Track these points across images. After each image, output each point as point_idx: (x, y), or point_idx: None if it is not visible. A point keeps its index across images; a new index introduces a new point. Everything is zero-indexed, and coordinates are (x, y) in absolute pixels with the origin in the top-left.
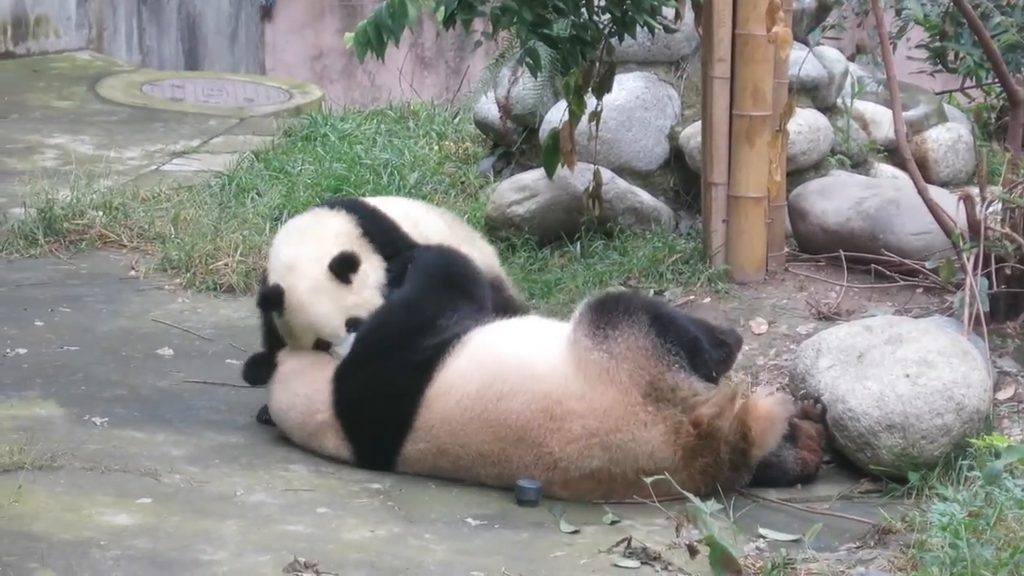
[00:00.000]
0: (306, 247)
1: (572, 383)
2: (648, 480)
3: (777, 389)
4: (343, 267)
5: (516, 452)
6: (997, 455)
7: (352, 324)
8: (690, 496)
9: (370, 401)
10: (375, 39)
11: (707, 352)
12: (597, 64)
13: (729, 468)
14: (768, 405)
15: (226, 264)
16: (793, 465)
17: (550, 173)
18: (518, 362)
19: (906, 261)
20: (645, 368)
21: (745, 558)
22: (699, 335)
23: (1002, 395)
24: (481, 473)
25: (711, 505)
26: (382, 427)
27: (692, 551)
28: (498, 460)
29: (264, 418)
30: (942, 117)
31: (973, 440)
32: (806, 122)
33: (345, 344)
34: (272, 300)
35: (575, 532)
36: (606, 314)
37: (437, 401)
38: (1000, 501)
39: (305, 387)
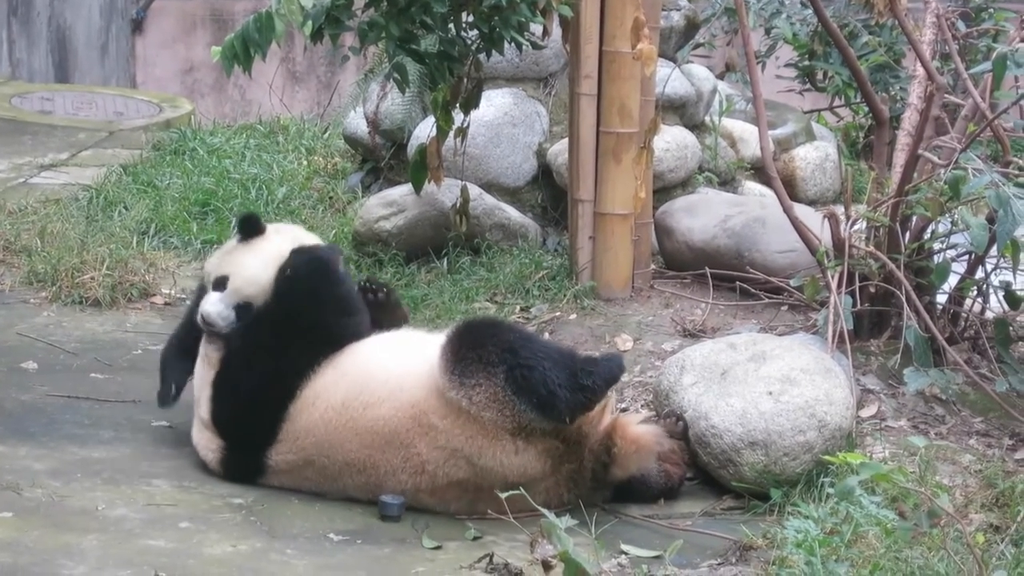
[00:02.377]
0: None
1: (437, 404)
2: (503, 495)
3: (642, 406)
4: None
5: (384, 457)
6: (855, 472)
7: (219, 283)
8: (545, 512)
9: (238, 412)
10: (242, 53)
11: (563, 404)
12: (465, 80)
13: (591, 479)
14: (639, 432)
15: (92, 278)
16: (657, 478)
17: (417, 189)
18: (386, 375)
19: (771, 279)
20: (507, 417)
21: (600, 574)
22: (556, 388)
23: (865, 413)
24: (348, 483)
25: (566, 520)
26: (249, 437)
27: (546, 566)
28: (365, 467)
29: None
30: (810, 136)
31: (829, 457)
32: (674, 139)
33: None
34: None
35: (437, 548)
36: (463, 361)
37: (302, 413)
38: (856, 518)
39: (199, 386)
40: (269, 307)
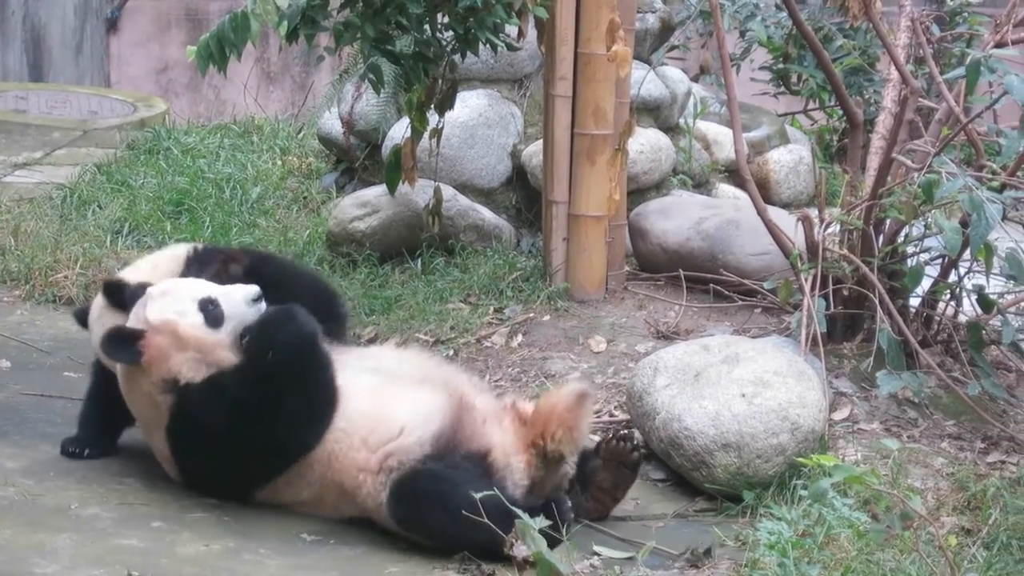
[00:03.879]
0: None
1: None
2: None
3: (615, 407)
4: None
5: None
6: (828, 474)
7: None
8: (520, 513)
9: (216, 474)
10: (217, 53)
11: None
12: (440, 81)
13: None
14: (549, 407)
15: (66, 276)
16: (571, 512)
17: (392, 189)
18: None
19: (745, 281)
20: None
21: (573, 574)
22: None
23: (838, 415)
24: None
25: (539, 521)
26: (227, 490)
27: (520, 567)
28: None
29: None
30: (784, 138)
31: (802, 459)
32: (648, 142)
33: None
34: None
35: (411, 548)
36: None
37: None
38: (829, 520)
39: (148, 427)
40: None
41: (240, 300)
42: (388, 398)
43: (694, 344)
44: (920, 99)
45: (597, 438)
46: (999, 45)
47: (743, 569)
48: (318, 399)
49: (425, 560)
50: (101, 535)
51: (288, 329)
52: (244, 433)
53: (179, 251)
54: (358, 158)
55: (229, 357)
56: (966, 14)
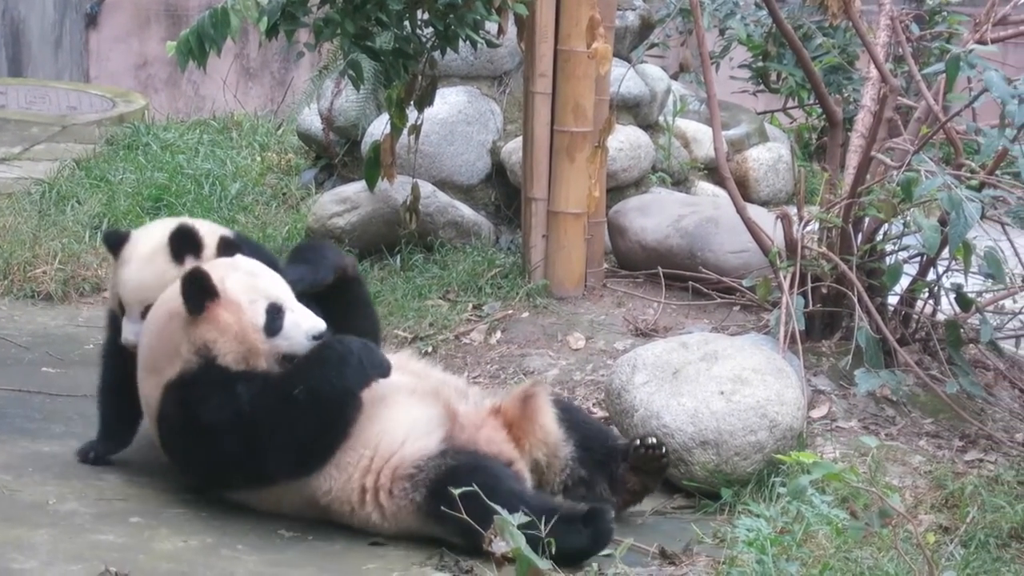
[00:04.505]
0: None
1: None
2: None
3: (593, 404)
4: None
5: None
6: (807, 472)
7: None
8: (499, 509)
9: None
10: (197, 48)
11: None
12: (419, 77)
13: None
14: (516, 406)
15: (44, 272)
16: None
17: (371, 186)
18: None
19: (723, 279)
20: None
21: (552, 571)
22: None
23: (816, 413)
24: None
25: (519, 517)
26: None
27: (499, 563)
28: None
29: None
30: (763, 137)
31: (781, 456)
32: (627, 139)
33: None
34: None
35: (390, 544)
36: None
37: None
38: (807, 518)
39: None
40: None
41: (303, 331)
42: (389, 413)
43: (673, 341)
44: (899, 97)
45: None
46: (978, 43)
47: (721, 566)
48: (324, 443)
49: (403, 556)
50: (79, 531)
51: (331, 381)
52: (238, 438)
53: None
54: (337, 154)
55: (262, 365)
56: (945, 13)
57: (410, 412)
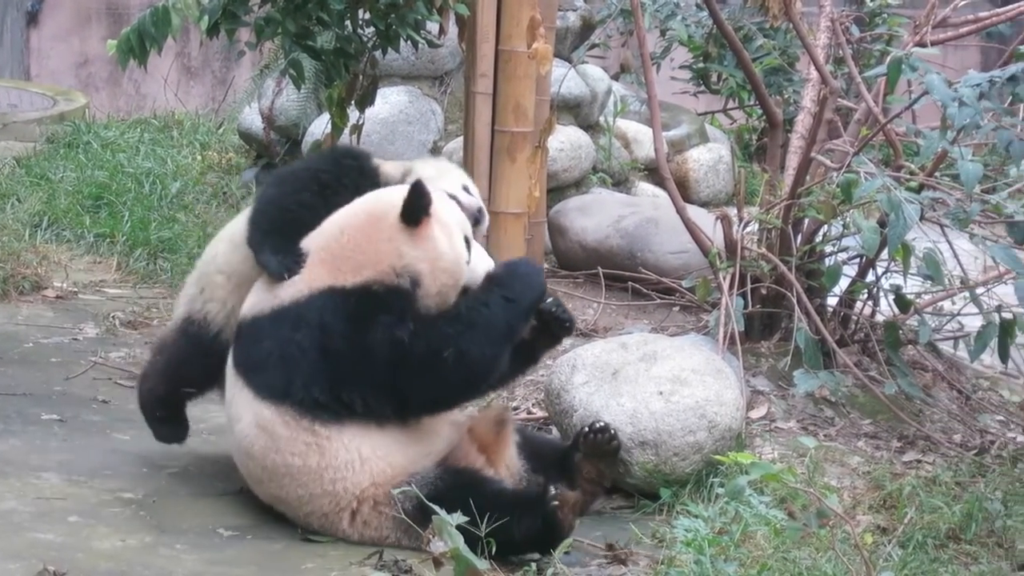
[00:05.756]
0: None
1: None
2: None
3: (533, 405)
4: None
5: None
6: (745, 472)
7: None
8: (437, 509)
9: None
10: (138, 47)
11: None
12: (361, 77)
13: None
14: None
15: None
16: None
17: None
18: None
19: (663, 279)
20: None
21: (490, 571)
22: None
23: (755, 414)
24: None
25: (457, 518)
26: None
27: (437, 563)
28: None
29: None
30: (704, 137)
31: (720, 457)
32: (568, 139)
33: None
34: None
35: (330, 542)
36: None
37: None
38: (745, 518)
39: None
40: None
41: (483, 268)
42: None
43: (612, 342)
44: (839, 99)
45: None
46: (918, 45)
47: (660, 567)
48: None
49: (342, 556)
50: (17, 529)
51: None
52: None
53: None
54: (278, 153)
55: (451, 301)
56: (885, 15)
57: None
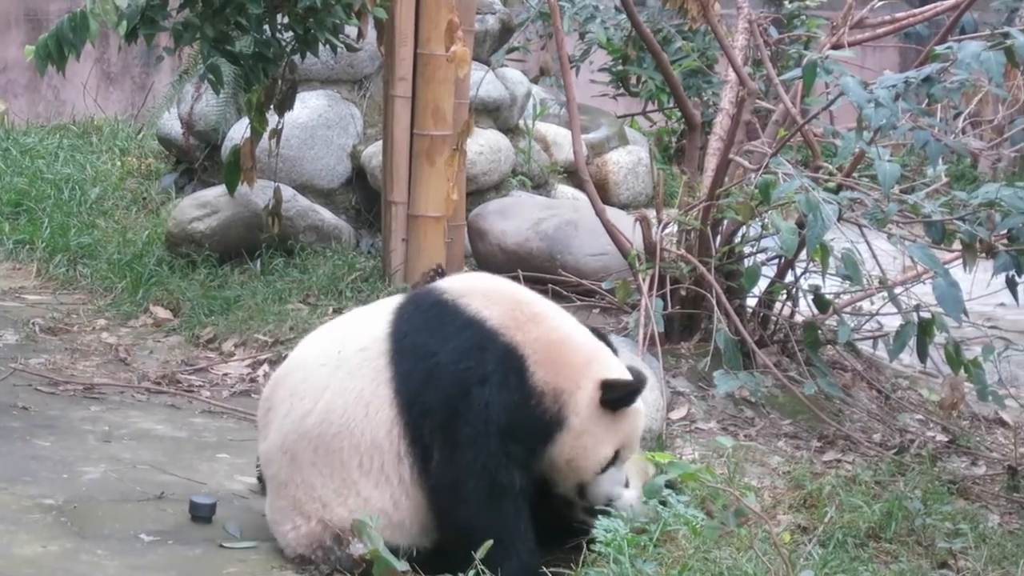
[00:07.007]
0: None
1: None
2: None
3: None
4: None
5: None
6: (663, 471)
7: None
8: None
9: None
10: (56, 53)
11: None
12: (279, 81)
13: None
14: None
15: None
16: None
17: (231, 190)
18: None
19: (583, 281)
20: None
21: (409, 572)
22: None
23: (675, 415)
24: None
25: (376, 519)
26: None
27: (358, 564)
28: None
29: None
30: (623, 140)
31: (639, 457)
32: (487, 142)
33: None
34: None
35: (251, 547)
36: None
37: None
38: (665, 518)
39: None
40: None
41: (610, 491)
42: None
43: None
44: (757, 100)
45: None
46: (836, 47)
47: (579, 569)
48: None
49: (263, 560)
50: None
51: None
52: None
53: None
54: (198, 159)
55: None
56: (804, 16)
57: None
